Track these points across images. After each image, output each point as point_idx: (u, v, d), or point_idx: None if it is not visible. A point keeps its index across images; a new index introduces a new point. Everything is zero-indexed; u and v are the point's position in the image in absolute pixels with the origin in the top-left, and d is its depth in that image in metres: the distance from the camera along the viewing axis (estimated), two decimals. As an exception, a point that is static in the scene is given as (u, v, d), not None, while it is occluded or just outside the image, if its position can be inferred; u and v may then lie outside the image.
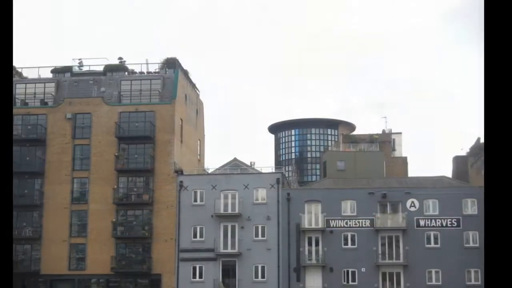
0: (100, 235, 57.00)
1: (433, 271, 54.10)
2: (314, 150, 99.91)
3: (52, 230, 57.45)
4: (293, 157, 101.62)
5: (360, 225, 54.89)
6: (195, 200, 56.50)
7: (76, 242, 57.54)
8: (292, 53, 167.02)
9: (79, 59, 63.40)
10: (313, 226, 55.33)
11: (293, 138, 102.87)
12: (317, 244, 55.22)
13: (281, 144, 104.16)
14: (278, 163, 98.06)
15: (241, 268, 55.15)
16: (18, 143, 57.54)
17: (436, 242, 54.33)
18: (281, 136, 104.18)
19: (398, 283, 54.20)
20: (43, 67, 63.15)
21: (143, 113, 58.73)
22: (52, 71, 63.09)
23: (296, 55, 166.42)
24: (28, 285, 57.32)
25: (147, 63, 61.87)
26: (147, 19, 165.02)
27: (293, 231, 55.19)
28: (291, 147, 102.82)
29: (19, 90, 61.10)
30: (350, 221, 55.01)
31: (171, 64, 61.26)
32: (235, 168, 59.50)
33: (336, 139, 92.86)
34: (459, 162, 66.16)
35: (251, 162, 61.34)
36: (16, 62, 67.29)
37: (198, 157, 66.35)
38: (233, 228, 55.73)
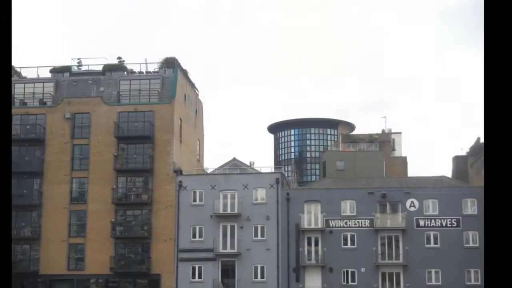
0: (99, 235, 56.93)
1: (433, 271, 54.04)
2: (313, 150, 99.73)
3: (51, 230, 57.37)
4: (292, 157, 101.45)
5: (360, 225, 54.82)
6: (194, 200, 56.44)
7: (75, 242, 57.47)
8: (292, 53, 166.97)
9: (78, 59, 63.41)
10: (313, 226, 55.27)
11: (292, 138, 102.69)
12: (316, 244, 55.15)
13: (280, 144, 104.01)
14: (278, 163, 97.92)
15: (241, 268, 55.08)
16: (17, 143, 57.51)
17: (436, 242, 54.27)
18: (280, 136, 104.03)
19: (398, 283, 54.13)
20: (42, 66, 63.26)
21: (142, 113, 58.66)
22: (51, 71, 63.04)
23: (296, 54, 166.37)
24: (27, 285, 57.25)
25: (146, 63, 61.87)
26: (146, 19, 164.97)
27: (293, 231, 55.13)
28: (291, 147, 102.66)
29: (18, 90, 61.00)
30: (349, 221, 54.94)
31: (170, 63, 61.17)
32: (235, 168, 59.43)
33: (335, 139, 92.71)
34: (459, 162, 66.14)
35: (250, 162, 61.30)
36: (15, 62, 67.37)
37: (197, 157, 66.28)
38: (232, 228, 55.67)
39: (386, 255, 54.47)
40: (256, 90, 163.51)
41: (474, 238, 53.98)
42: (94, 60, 62.72)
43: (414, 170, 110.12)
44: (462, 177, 62.71)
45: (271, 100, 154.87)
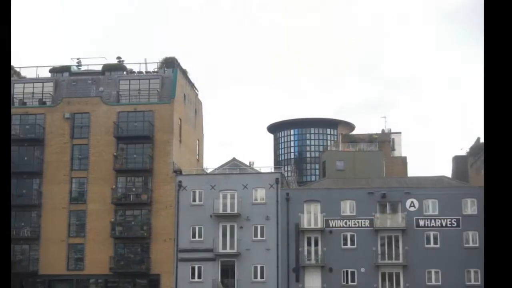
0: (98, 235, 56.87)
1: (433, 271, 53.99)
2: (313, 150, 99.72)
3: (51, 230, 57.31)
4: (292, 157, 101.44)
5: (360, 225, 54.77)
6: (194, 200, 56.39)
7: (74, 242, 57.41)
8: (292, 53, 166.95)
9: (78, 59, 63.37)
10: (312, 226, 55.21)
11: (292, 138, 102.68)
12: (316, 244, 55.10)
13: (280, 144, 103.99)
14: (277, 163, 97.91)
15: (240, 268, 55.02)
16: (17, 143, 57.44)
17: (435, 242, 54.22)
18: (280, 136, 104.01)
19: (398, 283, 54.07)
20: (41, 66, 63.20)
21: (141, 113, 58.61)
22: (50, 71, 62.98)
23: (296, 54, 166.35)
24: (26, 285, 57.19)
25: (145, 63, 61.81)
26: (146, 19, 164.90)
27: (292, 231, 55.07)
28: (290, 147, 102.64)
29: (17, 89, 60.94)
30: (349, 221, 54.88)
31: (170, 63, 61.11)
32: (234, 168, 59.37)
33: (335, 139, 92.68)
34: (459, 162, 66.09)
35: (250, 162, 61.25)
36: (15, 62, 67.29)
37: (197, 157, 66.22)
38: (232, 228, 55.61)
39: (386, 255, 54.42)
40: (256, 90, 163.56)
41: (474, 238, 53.93)
42: (94, 60, 62.75)
43: (414, 170, 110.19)
44: (462, 177, 62.65)
45: (271, 100, 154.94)
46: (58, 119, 59.19)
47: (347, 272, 54.40)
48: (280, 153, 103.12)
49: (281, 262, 54.74)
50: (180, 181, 56.70)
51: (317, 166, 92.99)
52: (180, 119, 60.32)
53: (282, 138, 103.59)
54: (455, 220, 54.38)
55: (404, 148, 77.68)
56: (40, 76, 62.75)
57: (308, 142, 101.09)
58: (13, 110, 57.25)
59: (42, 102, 60.50)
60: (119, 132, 58.21)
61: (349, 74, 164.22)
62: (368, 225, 54.70)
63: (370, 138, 71.08)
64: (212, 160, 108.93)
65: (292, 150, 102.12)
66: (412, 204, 54.84)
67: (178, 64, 61.61)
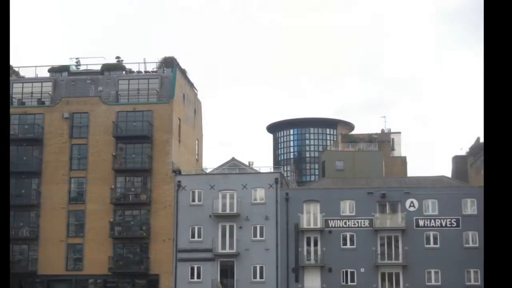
0: (97, 235, 56.76)
1: (433, 271, 53.88)
2: (312, 149, 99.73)
3: (49, 230, 57.20)
4: (291, 156, 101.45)
5: (359, 225, 54.66)
6: (193, 200, 56.28)
7: (73, 242, 57.30)
8: (292, 53, 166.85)
9: (77, 58, 63.25)
10: (312, 226, 55.11)
11: (291, 137, 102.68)
12: (315, 244, 54.99)
13: (279, 144, 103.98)
14: (277, 162, 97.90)
15: (240, 268, 54.91)
16: (15, 142, 57.33)
17: (435, 242, 54.12)
18: (279, 135, 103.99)
19: (398, 284, 53.97)
20: (40, 66, 63.07)
21: (140, 113, 58.49)
22: (49, 70, 62.86)
23: (296, 54, 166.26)
24: (25, 285, 57.09)
25: (144, 62, 61.68)
26: (146, 19, 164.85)
27: (292, 231, 54.97)
28: (290, 146, 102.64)
29: (16, 89, 60.83)
30: (349, 221, 54.78)
31: (169, 63, 60.98)
32: (233, 168, 59.27)
33: (334, 139, 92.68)
34: (459, 162, 65.98)
35: (249, 162, 61.17)
36: (13, 61, 67.15)
37: (196, 157, 66.11)
38: (231, 228, 55.51)
39: (386, 255, 54.32)
40: (256, 90, 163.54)
41: (474, 238, 53.82)
42: (93, 60, 62.66)
43: (414, 170, 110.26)
44: (462, 177, 62.55)
45: (270, 100, 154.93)
46: (57, 119, 59.07)
47: (346, 272, 54.30)
48: (279, 153, 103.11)
49: (281, 262, 54.64)
50: (179, 181, 56.59)
51: (316, 166, 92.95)
52: (179, 119, 60.21)
53: (282, 138, 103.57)
54: (455, 220, 54.28)
55: (404, 148, 77.81)
56: (39, 75, 62.64)
57: (307, 142, 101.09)
58: (12, 110, 57.09)
59: (41, 102, 60.38)
60: (118, 132, 58.09)
61: (349, 74, 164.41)
62: (368, 225, 54.60)
63: (369, 138, 70.99)
64: (211, 160, 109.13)
65: (292, 150, 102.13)
66: (411, 204, 54.73)
67: (177, 64, 61.50)
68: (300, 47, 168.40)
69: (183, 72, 63.00)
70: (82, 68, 63.07)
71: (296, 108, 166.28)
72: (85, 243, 57.01)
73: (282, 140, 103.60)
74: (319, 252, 54.70)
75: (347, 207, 55.15)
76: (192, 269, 55.29)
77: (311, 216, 55.27)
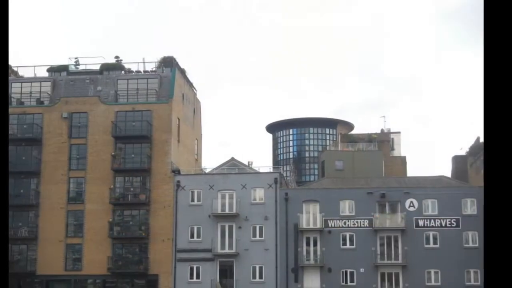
0: (96, 235, 56.67)
1: (432, 271, 53.79)
2: (312, 149, 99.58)
3: (48, 230, 57.11)
4: (291, 156, 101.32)
5: (359, 225, 54.57)
6: (192, 200, 56.19)
7: (72, 242, 57.21)
8: (292, 53, 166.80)
9: (76, 58, 63.19)
10: (311, 226, 55.01)
11: (291, 137, 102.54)
12: (315, 244, 54.90)
13: (279, 144, 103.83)
14: (276, 162, 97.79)
15: (239, 268, 54.83)
16: (14, 142, 57.26)
17: (435, 242, 54.02)
18: (279, 135, 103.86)
19: (397, 284, 53.88)
20: (39, 66, 62.95)
21: (140, 112, 58.41)
22: (48, 70, 62.74)
23: (296, 54, 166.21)
24: (24, 285, 57.03)
25: (144, 62, 61.66)
26: (146, 19, 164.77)
27: (291, 231, 54.88)
28: (289, 146, 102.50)
29: (15, 89, 60.77)
30: (348, 221, 54.68)
31: (168, 63, 60.87)
32: (233, 167, 59.19)
33: (334, 139, 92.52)
34: (459, 162, 65.90)
35: (248, 162, 61.10)
36: (12, 61, 67.06)
37: (195, 157, 66.02)
38: (230, 228, 55.41)
39: (385, 255, 54.22)
40: (256, 90, 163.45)
41: (473, 238, 53.72)
42: (92, 59, 62.58)
43: (413, 170, 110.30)
44: (462, 177, 62.47)
45: (270, 100, 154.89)
46: (56, 119, 58.98)
47: (346, 272, 54.20)
48: (279, 152, 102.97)
49: (280, 262, 54.54)
50: (178, 181, 56.50)
51: (316, 166, 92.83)
52: (179, 119, 60.11)
53: (281, 138, 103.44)
54: (454, 220, 54.18)
55: (404, 147, 77.66)
56: (38, 75, 62.55)
57: (307, 141, 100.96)
58: (10, 110, 56.95)
59: (40, 102, 60.30)
60: (117, 132, 57.99)
61: (349, 74, 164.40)
62: (367, 225, 54.51)
63: (369, 138, 70.89)
64: (210, 160, 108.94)
65: (291, 150, 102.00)
66: (411, 204, 54.64)
67: (177, 64, 61.41)
68: (300, 47, 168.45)
69: (182, 72, 62.90)
70: (81, 68, 62.99)
71: (296, 108, 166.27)
72: (84, 243, 56.92)
73: (281, 140, 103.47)
74: (318, 252, 54.61)
75: (346, 207, 55.06)
76: (192, 269, 55.21)
77: (310, 216, 55.18)
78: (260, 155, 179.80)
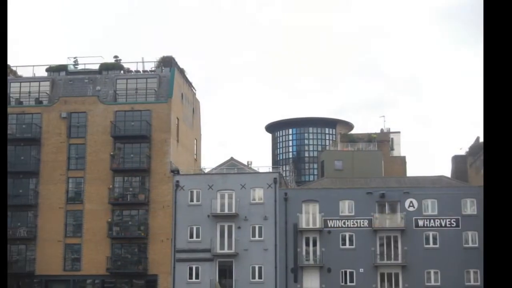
0: (95, 235, 56.59)
1: (432, 271, 53.71)
2: (311, 149, 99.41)
3: (47, 230, 57.03)
4: (290, 156, 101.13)
5: (358, 225, 54.49)
6: (192, 200, 56.11)
7: (71, 242, 57.12)
8: (292, 53, 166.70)
9: (74, 58, 63.09)
10: (311, 226, 54.93)
11: (290, 137, 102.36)
12: (314, 245, 54.81)
13: (278, 144, 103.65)
14: (275, 162, 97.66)
15: (238, 268, 54.75)
16: (13, 142, 57.19)
17: (435, 243, 53.94)
18: (278, 135, 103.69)
19: (397, 284, 53.81)
20: (38, 65, 62.85)
21: (139, 112, 58.32)
22: (47, 70, 62.62)
23: (296, 54, 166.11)
24: (23, 285, 56.96)
25: (143, 62, 61.53)
26: (145, 18, 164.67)
27: (291, 231, 54.79)
28: (289, 146, 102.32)
29: (13, 89, 60.69)
30: (348, 221, 54.60)
31: (167, 62, 60.76)
32: (232, 167, 59.13)
33: (334, 139, 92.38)
34: (458, 162, 65.84)
35: (248, 162, 61.07)
36: (11, 61, 67.06)
37: (195, 157, 65.94)
38: (229, 228, 55.32)
39: (385, 256, 54.15)
40: (255, 89, 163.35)
41: (473, 238, 53.65)
42: (91, 59, 62.47)
43: (413, 169, 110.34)
44: (462, 177, 62.41)
45: (270, 100, 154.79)
46: (54, 119, 58.88)
47: (345, 272, 54.12)
48: (278, 152, 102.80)
49: (279, 262, 54.47)
50: (177, 181, 56.41)
51: (315, 166, 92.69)
52: (178, 119, 60.02)
53: (280, 138, 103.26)
54: (454, 220, 54.10)
55: (403, 147, 77.60)
56: (37, 75, 62.45)
57: (306, 141, 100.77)
58: (9, 110, 56.83)
59: (38, 101, 60.21)
60: (116, 132, 57.89)
61: (349, 74, 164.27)
62: (367, 225, 54.43)
63: (369, 138, 70.83)
64: (210, 160, 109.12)
65: (290, 150, 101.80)
66: (411, 204, 54.56)
67: (176, 63, 61.31)
68: (300, 47, 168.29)
69: (182, 72, 62.80)
70: (80, 67, 62.89)
71: (295, 108, 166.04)
72: (83, 243, 56.84)
73: (281, 140, 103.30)
74: (318, 252, 54.52)
75: (346, 207, 54.98)
76: (191, 269, 55.13)
77: (310, 216, 55.10)
78: (259, 155, 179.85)
